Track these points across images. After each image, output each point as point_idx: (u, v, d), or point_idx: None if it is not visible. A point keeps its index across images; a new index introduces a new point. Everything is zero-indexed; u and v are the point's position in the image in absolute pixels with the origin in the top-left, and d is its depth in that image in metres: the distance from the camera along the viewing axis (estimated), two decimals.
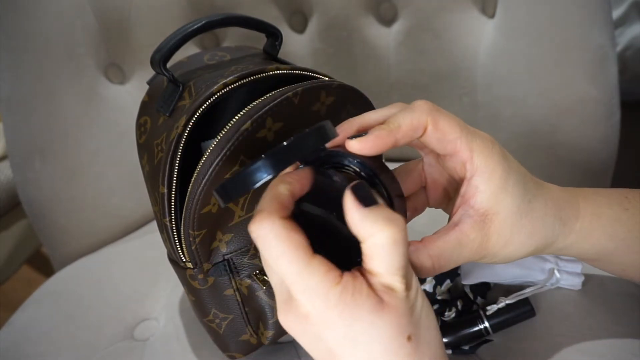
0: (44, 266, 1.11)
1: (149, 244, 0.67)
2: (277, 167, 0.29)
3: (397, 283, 0.29)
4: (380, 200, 0.30)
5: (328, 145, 0.33)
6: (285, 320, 0.30)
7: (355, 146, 0.32)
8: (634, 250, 0.38)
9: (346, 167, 0.35)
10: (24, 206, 0.70)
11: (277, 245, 0.28)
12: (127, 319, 0.57)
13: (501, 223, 0.34)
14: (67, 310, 0.60)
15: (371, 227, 0.28)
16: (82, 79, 0.68)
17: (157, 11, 0.69)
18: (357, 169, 0.35)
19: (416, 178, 0.38)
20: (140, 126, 0.47)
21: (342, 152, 0.34)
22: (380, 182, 0.35)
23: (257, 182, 0.29)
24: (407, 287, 0.29)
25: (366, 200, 0.29)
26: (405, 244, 0.29)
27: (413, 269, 0.32)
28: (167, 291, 0.59)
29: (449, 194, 0.39)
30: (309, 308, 0.28)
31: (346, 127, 0.34)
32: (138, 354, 0.53)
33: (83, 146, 0.69)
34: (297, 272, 0.28)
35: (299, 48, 0.76)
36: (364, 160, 0.34)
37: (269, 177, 0.29)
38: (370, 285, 0.29)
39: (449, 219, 0.36)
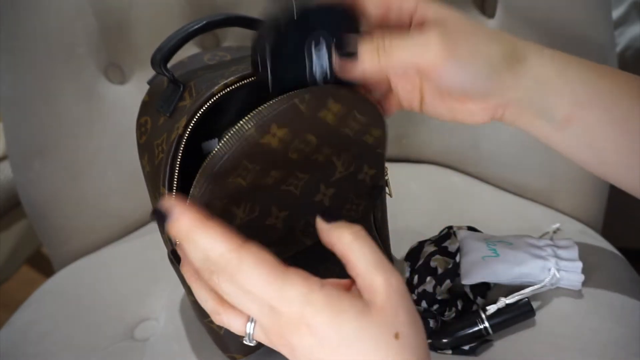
0: (44, 266, 1.11)
1: (149, 244, 0.67)
2: None
3: (378, 281, 0.30)
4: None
5: None
6: (277, 343, 0.31)
7: None
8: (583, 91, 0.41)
9: None
10: (24, 206, 0.70)
11: (251, 270, 0.29)
12: (127, 319, 0.57)
13: (457, 19, 0.38)
14: (67, 310, 0.60)
15: (337, 233, 0.32)
16: (82, 79, 0.67)
17: (157, 11, 0.69)
18: None
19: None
20: (140, 126, 0.47)
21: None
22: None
23: None
24: (388, 284, 0.31)
25: (330, 218, 0.33)
26: (370, 241, 0.32)
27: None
28: (167, 291, 0.59)
29: (414, 84, 0.42)
30: (297, 317, 0.29)
31: None
32: (138, 354, 0.53)
33: (83, 146, 0.68)
34: (277, 289, 0.29)
35: None
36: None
37: None
38: (353, 291, 0.31)
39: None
